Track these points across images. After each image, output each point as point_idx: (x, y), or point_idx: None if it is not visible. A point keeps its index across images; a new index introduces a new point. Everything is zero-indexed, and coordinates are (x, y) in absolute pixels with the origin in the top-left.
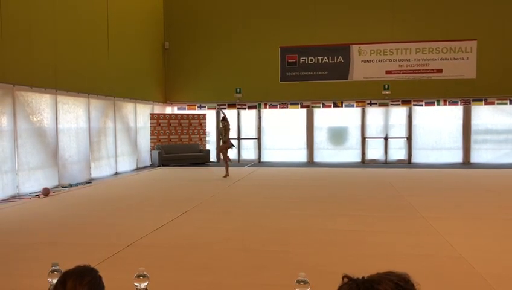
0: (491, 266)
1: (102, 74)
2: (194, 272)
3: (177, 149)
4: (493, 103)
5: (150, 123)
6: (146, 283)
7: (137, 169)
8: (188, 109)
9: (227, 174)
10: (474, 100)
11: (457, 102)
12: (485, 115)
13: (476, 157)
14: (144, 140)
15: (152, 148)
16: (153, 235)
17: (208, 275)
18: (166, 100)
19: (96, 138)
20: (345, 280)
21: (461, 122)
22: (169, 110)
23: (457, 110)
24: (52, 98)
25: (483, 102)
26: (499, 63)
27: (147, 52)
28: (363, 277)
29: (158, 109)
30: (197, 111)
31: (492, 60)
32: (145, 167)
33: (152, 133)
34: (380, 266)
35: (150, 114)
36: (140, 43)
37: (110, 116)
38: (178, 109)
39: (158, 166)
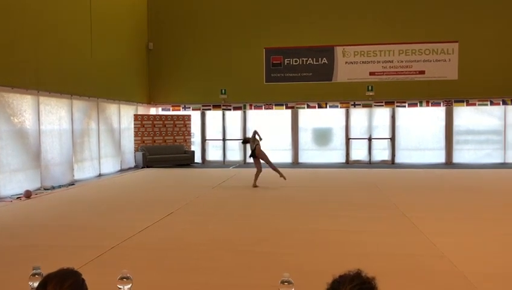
0: (472, 264)
1: (85, 74)
2: (179, 274)
3: (161, 150)
4: (474, 104)
5: (134, 124)
6: (129, 285)
7: (121, 171)
8: (172, 110)
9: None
10: (456, 101)
11: (440, 103)
12: (466, 116)
13: (458, 157)
14: (128, 141)
15: (136, 150)
16: (138, 237)
17: (194, 276)
18: (151, 101)
19: (79, 139)
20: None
21: (443, 123)
22: (153, 111)
23: (440, 111)
24: (34, 99)
25: (465, 103)
26: (480, 64)
27: (130, 53)
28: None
29: (142, 110)
30: (182, 112)
31: (474, 62)
32: (129, 169)
33: (136, 135)
34: (364, 265)
35: (134, 115)
36: (123, 44)
37: (93, 118)
38: (162, 110)
39: (142, 167)
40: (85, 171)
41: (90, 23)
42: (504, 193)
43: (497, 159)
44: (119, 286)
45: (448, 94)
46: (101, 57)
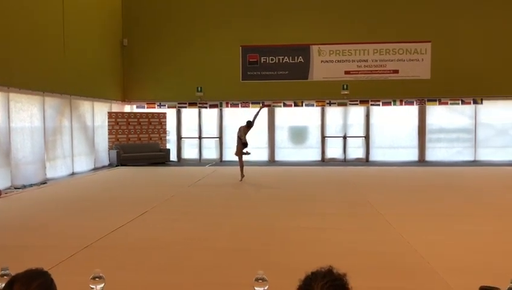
0: (444, 260)
1: (57, 71)
2: (154, 273)
3: (136, 148)
4: (446, 103)
5: (108, 122)
6: (102, 285)
7: (95, 169)
8: (147, 108)
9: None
10: (428, 100)
11: (413, 102)
12: (439, 115)
13: (431, 155)
14: (102, 139)
15: (110, 148)
16: (111, 237)
17: (169, 275)
18: (125, 98)
19: (51, 137)
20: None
21: (416, 121)
22: (128, 108)
23: (413, 110)
24: (4, 95)
25: (437, 102)
26: (452, 64)
27: (104, 49)
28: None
29: (116, 108)
30: (157, 110)
31: (446, 62)
32: (103, 167)
33: (110, 132)
34: (338, 262)
35: (108, 113)
36: (97, 40)
37: (66, 115)
38: (137, 107)
39: (116, 166)
40: (57, 169)
41: (62, 18)
42: (474, 190)
43: (468, 157)
44: (92, 286)
45: (421, 93)
46: (74, 53)
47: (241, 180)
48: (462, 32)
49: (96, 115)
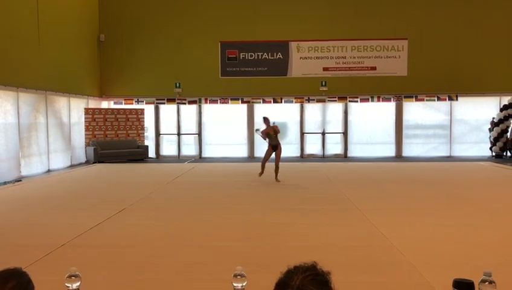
0: (420, 254)
1: (32, 66)
2: (133, 270)
3: (113, 145)
4: (423, 100)
5: (85, 118)
6: (78, 283)
7: (72, 166)
8: (125, 104)
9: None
10: (405, 97)
11: (390, 98)
12: (415, 111)
13: (408, 151)
14: (79, 136)
15: (87, 144)
16: (88, 234)
17: (148, 273)
18: (102, 94)
19: (26, 134)
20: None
21: (394, 117)
22: (105, 104)
23: (390, 106)
24: None
25: (414, 98)
26: (428, 61)
27: (81, 45)
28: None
29: (93, 104)
30: (135, 106)
31: (422, 59)
32: (80, 164)
33: (87, 129)
34: (316, 257)
35: (85, 109)
36: (73, 35)
37: (41, 111)
38: (114, 103)
39: (94, 163)
40: (33, 166)
41: (37, 12)
42: (450, 185)
43: (444, 152)
44: (67, 285)
45: (398, 90)
46: (49, 48)
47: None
48: (438, 30)
49: (73, 111)
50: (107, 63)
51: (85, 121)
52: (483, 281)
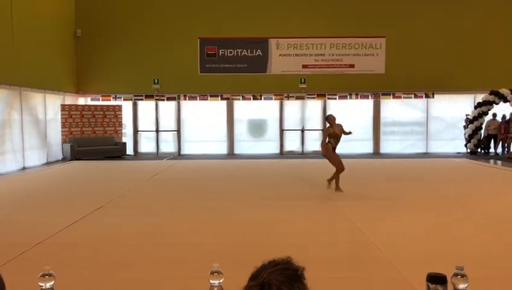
0: (396, 249)
1: (6, 61)
2: (110, 269)
3: (90, 142)
4: (400, 97)
5: (61, 115)
6: (52, 283)
7: (48, 163)
8: (102, 100)
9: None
10: (383, 94)
11: (368, 96)
12: (392, 108)
13: (385, 147)
14: (55, 133)
15: (64, 141)
16: (65, 233)
17: (126, 271)
18: (79, 90)
19: (0, 131)
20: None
21: (371, 115)
22: (82, 101)
23: (368, 104)
24: None
25: (391, 96)
26: (405, 59)
27: (56, 40)
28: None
29: (70, 100)
30: (113, 102)
31: (400, 57)
32: (57, 161)
33: (63, 126)
34: (294, 253)
35: (61, 105)
36: (49, 30)
37: (16, 108)
38: (92, 100)
39: (70, 160)
40: (7, 164)
41: (10, 6)
42: (426, 181)
43: (420, 149)
44: (41, 284)
45: (376, 87)
46: (23, 43)
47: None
48: (415, 29)
49: (49, 107)
50: (84, 59)
51: (61, 118)
52: (455, 274)
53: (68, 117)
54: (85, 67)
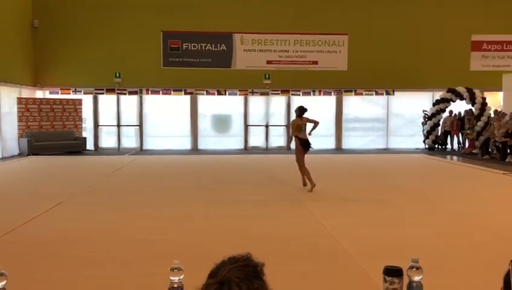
0: (356, 243)
1: None
2: (70, 267)
3: (49, 137)
4: (361, 94)
5: (18, 108)
6: (3, 283)
7: (3, 159)
8: (61, 94)
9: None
10: (345, 91)
11: (331, 92)
12: (354, 105)
13: (347, 143)
14: (11, 127)
15: (20, 136)
16: (21, 230)
17: (87, 269)
18: (36, 83)
19: None
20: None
21: (334, 111)
22: (39, 94)
23: (331, 100)
24: None
25: (353, 93)
26: (367, 57)
27: (12, 30)
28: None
29: (26, 93)
30: (72, 96)
31: (361, 54)
32: (13, 157)
33: (20, 120)
34: (255, 248)
35: (18, 98)
36: (4, 20)
37: None
38: (50, 93)
39: (28, 155)
40: None
41: None
42: (385, 176)
43: (381, 145)
44: None
45: (339, 84)
46: None
47: (311, 190)
48: (377, 26)
49: (4, 100)
50: (42, 51)
51: (18, 112)
52: (411, 267)
53: (25, 111)
54: (43, 59)
